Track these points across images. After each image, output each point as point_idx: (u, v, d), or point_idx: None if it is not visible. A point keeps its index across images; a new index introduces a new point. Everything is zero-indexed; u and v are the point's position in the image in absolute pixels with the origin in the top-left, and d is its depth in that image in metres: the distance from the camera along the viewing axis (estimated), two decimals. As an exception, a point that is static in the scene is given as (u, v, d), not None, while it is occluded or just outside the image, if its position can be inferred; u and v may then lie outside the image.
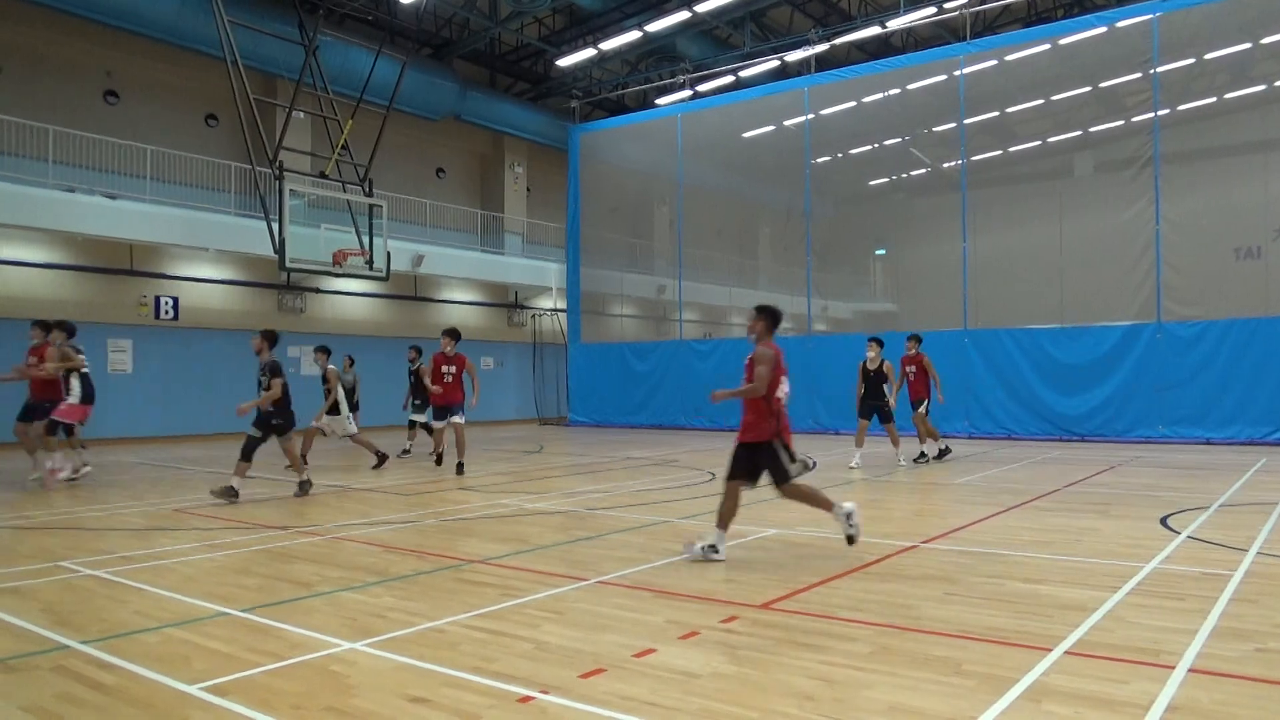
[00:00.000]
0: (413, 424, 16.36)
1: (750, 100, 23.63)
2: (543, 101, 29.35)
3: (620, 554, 6.94)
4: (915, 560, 6.61)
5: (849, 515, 6.69)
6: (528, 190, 30.06)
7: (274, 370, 9.90)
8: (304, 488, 10.44)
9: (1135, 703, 3.66)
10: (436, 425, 13.61)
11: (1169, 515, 8.44)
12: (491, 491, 10.92)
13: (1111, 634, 4.63)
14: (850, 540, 6.74)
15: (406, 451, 16.02)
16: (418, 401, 15.89)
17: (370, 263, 18.86)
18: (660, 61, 27.57)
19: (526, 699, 3.77)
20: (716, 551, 6.53)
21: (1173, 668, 4.08)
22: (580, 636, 4.69)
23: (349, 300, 24.52)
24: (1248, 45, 18.62)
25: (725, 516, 6.63)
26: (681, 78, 25.70)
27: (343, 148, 18.97)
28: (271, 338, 10.11)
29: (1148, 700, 3.67)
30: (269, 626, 4.89)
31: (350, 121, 18.84)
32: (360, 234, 18.93)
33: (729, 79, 26.38)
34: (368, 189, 19.18)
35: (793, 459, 6.68)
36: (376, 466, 13.67)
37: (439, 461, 13.71)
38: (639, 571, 6.25)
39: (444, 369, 13.10)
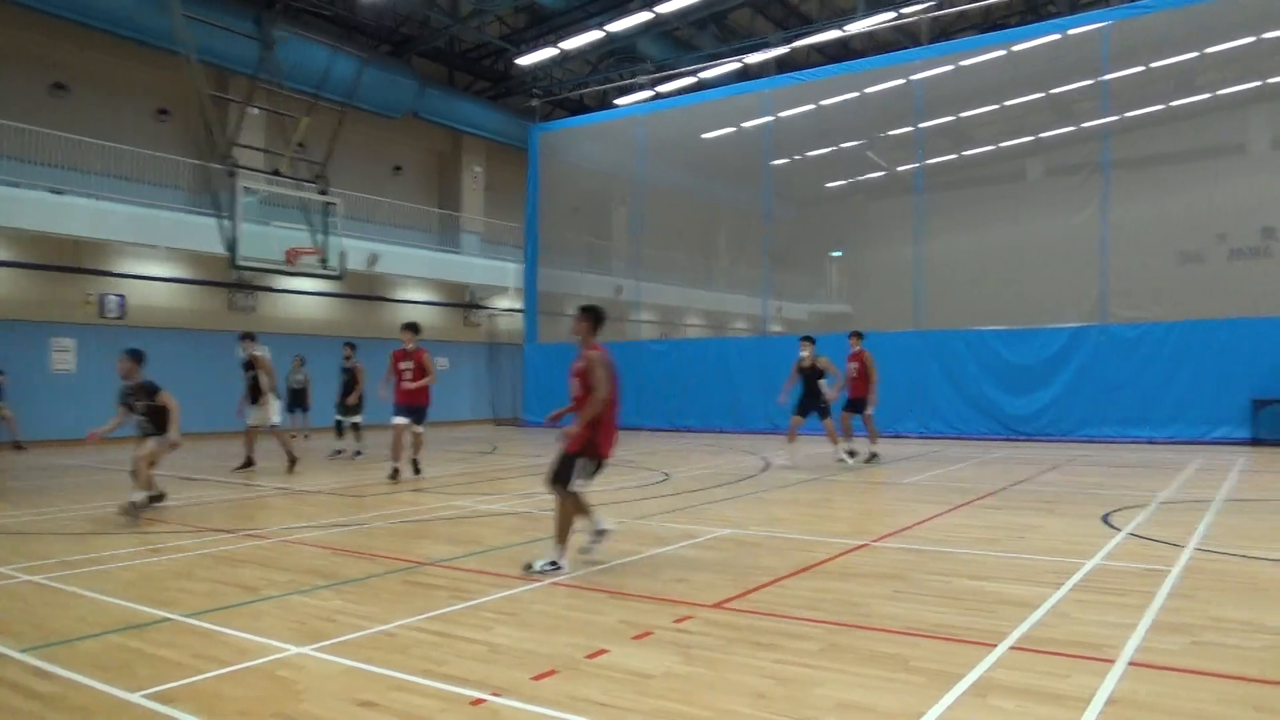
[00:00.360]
0: (339, 424, 16.08)
1: (711, 101, 23.73)
2: (503, 100, 29.20)
3: (574, 556, 6.92)
4: (865, 559, 6.69)
5: (601, 533, 6.52)
6: (486, 189, 29.88)
7: (150, 391, 8.86)
8: (133, 509, 8.66)
9: (1077, 696, 3.74)
10: (397, 422, 12.14)
11: (1111, 513, 8.63)
12: (444, 493, 10.84)
13: (1055, 629, 4.72)
14: (583, 550, 6.50)
15: (339, 453, 15.72)
16: (349, 403, 15.54)
17: (324, 261, 18.61)
18: (622, 62, 27.56)
19: (478, 702, 3.75)
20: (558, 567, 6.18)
21: (1113, 661, 4.18)
22: (533, 638, 4.67)
23: (302, 299, 24.18)
24: (1194, 55, 19.11)
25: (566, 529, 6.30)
26: (643, 78, 25.72)
27: (298, 145, 18.70)
28: (139, 357, 8.99)
29: (1089, 694, 3.75)
30: (215, 632, 4.81)
31: (306, 118, 18.57)
32: (314, 232, 18.67)
33: (690, 80, 26.47)
34: (323, 187, 18.93)
35: (591, 473, 6.32)
36: (289, 470, 13.06)
37: (397, 475, 11.92)
38: (592, 572, 6.25)
39: (401, 365, 12.23)
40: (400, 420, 12.19)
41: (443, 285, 27.70)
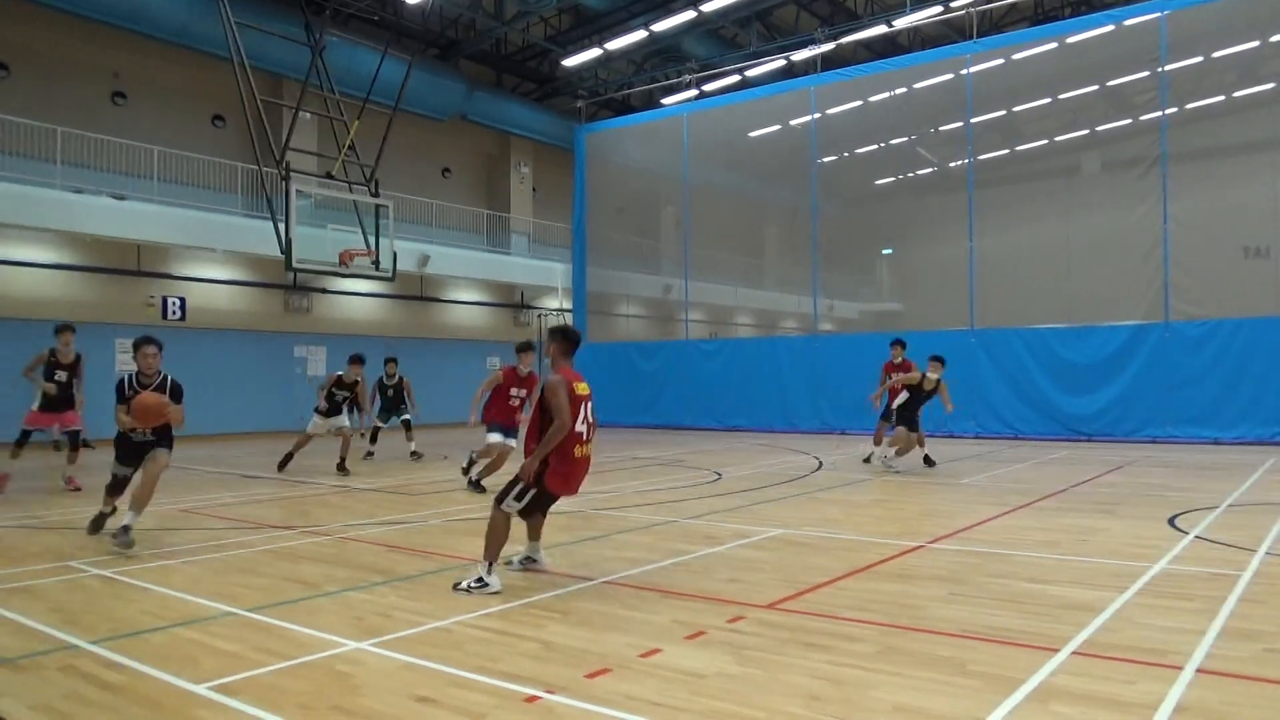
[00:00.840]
0: (376, 431, 16.11)
1: (756, 100, 23.60)
2: (549, 101, 29.37)
3: (626, 554, 6.94)
4: (921, 560, 6.60)
5: (530, 561, 6.32)
6: (534, 190, 30.08)
7: (179, 391, 7.66)
8: (125, 536, 7.03)
9: (1143, 703, 3.65)
10: (507, 443, 10.62)
11: (1177, 515, 8.41)
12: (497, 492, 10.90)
13: (1119, 634, 4.61)
14: (505, 562, 6.24)
15: (369, 455, 15.66)
16: (405, 418, 15.79)
17: (376, 263, 18.84)
18: (666, 61, 27.57)
19: (533, 699, 3.77)
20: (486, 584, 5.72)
21: (1180, 668, 4.06)
22: (586, 636, 4.69)
23: (355, 300, 24.57)
24: (1256, 44, 18.54)
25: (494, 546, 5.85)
26: (687, 77, 25.67)
27: (349, 148, 18.99)
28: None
29: (1155, 701, 3.66)
30: (275, 626, 4.90)
31: (357, 122, 18.84)
32: (366, 234, 18.93)
33: (735, 78, 26.36)
34: (374, 189, 19.19)
35: (525, 499, 5.89)
36: (281, 467, 13.20)
37: (480, 489, 10.67)
38: (645, 571, 6.25)
39: (513, 392, 10.52)
40: (509, 441, 10.61)
41: (492, 286, 27.95)
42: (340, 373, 13.47)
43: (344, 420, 13.48)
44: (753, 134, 24.38)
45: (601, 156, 26.11)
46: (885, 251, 27.47)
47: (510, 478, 6.05)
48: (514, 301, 28.90)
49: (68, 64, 20.01)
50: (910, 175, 25.18)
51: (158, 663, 4.27)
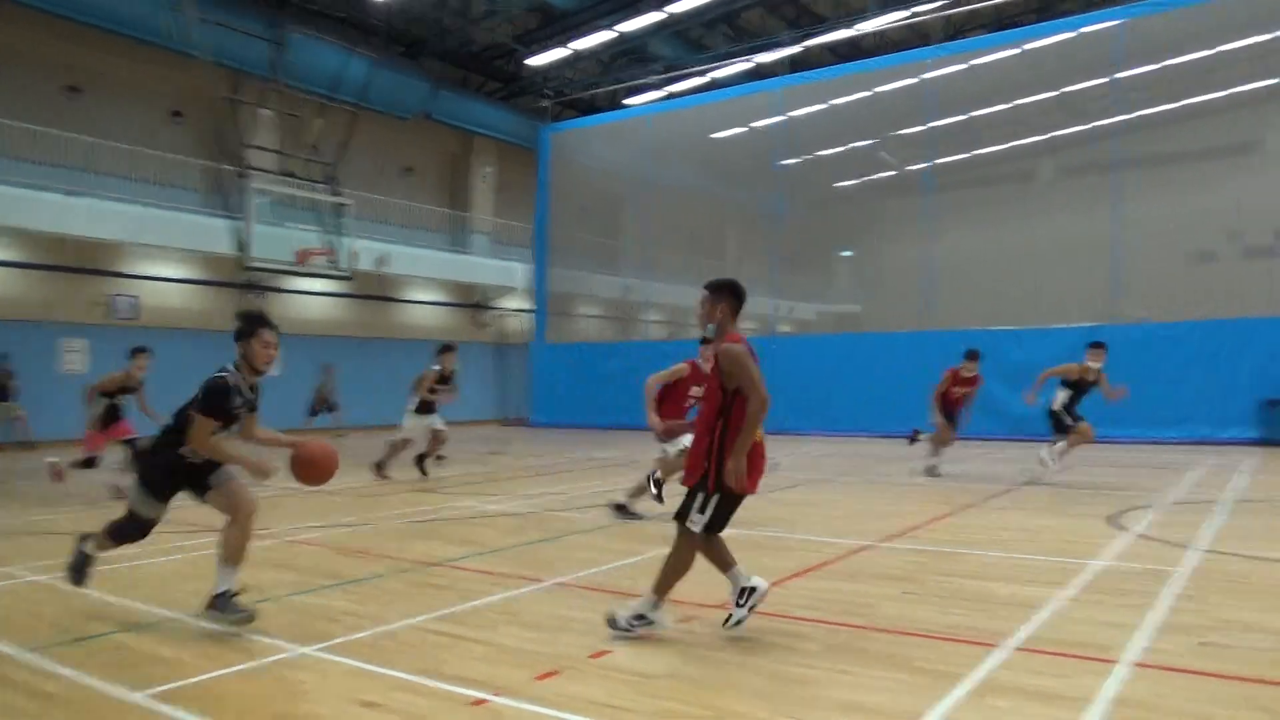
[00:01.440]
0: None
1: (722, 101, 23.72)
2: (514, 101, 29.24)
3: (579, 555, 6.94)
4: (871, 560, 6.67)
5: (746, 593, 4.79)
6: (497, 190, 29.94)
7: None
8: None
9: (1079, 696, 3.72)
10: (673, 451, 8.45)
11: (1119, 514, 8.58)
12: (449, 493, 10.87)
13: (1059, 630, 4.70)
14: (729, 621, 4.76)
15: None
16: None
17: (334, 262, 18.71)
18: (633, 62, 27.57)
19: (479, 702, 3.76)
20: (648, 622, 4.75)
21: (1117, 662, 4.15)
22: (536, 638, 4.68)
23: (312, 300, 24.28)
24: (1208, 52, 18.97)
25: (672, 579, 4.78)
26: (654, 78, 25.71)
27: (311, 146, 18.81)
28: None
29: (1092, 694, 3.74)
30: (219, 632, 4.83)
31: (319, 119, 18.68)
32: (326, 233, 18.78)
33: (702, 80, 26.45)
34: (334, 188, 19.03)
35: (709, 510, 4.75)
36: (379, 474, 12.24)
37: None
38: (597, 573, 6.25)
39: (694, 391, 8.39)
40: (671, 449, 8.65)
41: (452, 285, 27.78)
42: (436, 367, 12.19)
43: (439, 420, 12.40)
44: (717, 135, 24.50)
45: (566, 156, 26.08)
46: (845, 253, 27.74)
47: (648, 489, 5.20)
48: (473, 301, 28.75)
49: (20, 57, 19.53)
50: (871, 178, 25.46)
51: (96, 671, 4.19)
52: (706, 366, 7.99)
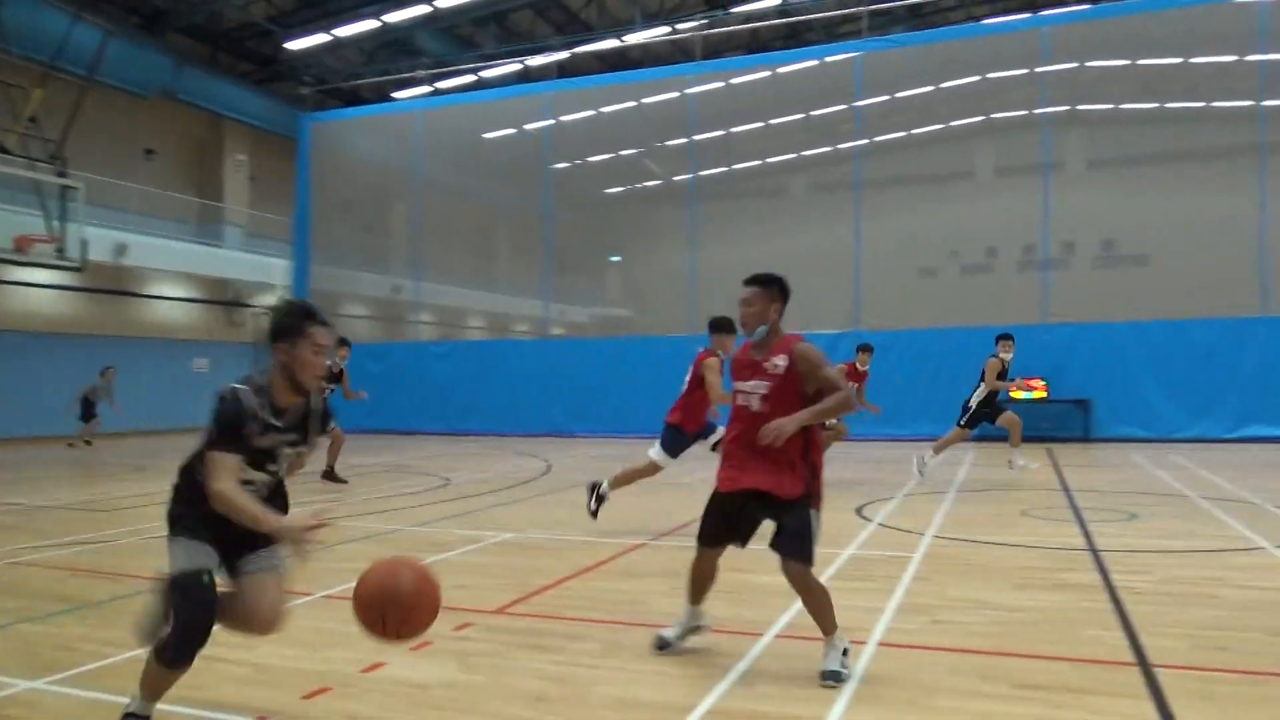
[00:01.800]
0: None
1: (492, 101, 23.58)
2: (270, 86, 27.55)
3: (350, 565, 6.66)
4: (645, 557, 6.90)
5: (695, 630, 4.60)
6: (251, 180, 28.06)
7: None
8: None
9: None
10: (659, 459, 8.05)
11: (863, 505, 9.39)
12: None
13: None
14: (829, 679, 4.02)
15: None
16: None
17: (61, 250, 16.83)
18: (399, 54, 26.78)
19: (242, 727, 3.54)
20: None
21: (865, 643, 4.56)
22: (303, 655, 4.47)
23: (34, 293, 21.68)
24: (931, 88, 21.18)
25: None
26: (422, 73, 25.11)
27: (30, 119, 16.79)
28: None
29: (845, 674, 4.07)
30: (-76, 670, 4.24)
31: (39, 90, 16.71)
32: (50, 218, 16.84)
33: (470, 78, 26.13)
34: (60, 168, 17.10)
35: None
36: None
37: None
38: (369, 583, 6.03)
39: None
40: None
41: (201, 281, 25.77)
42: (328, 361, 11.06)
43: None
44: (488, 135, 24.32)
45: (328, 148, 24.89)
46: (614, 259, 28.42)
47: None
48: (227, 299, 26.82)
49: None
50: (639, 186, 26.25)
51: None
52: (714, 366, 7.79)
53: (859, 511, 9.00)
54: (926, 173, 21.61)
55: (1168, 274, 18.51)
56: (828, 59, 20.41)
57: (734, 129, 23.58)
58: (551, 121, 22.48)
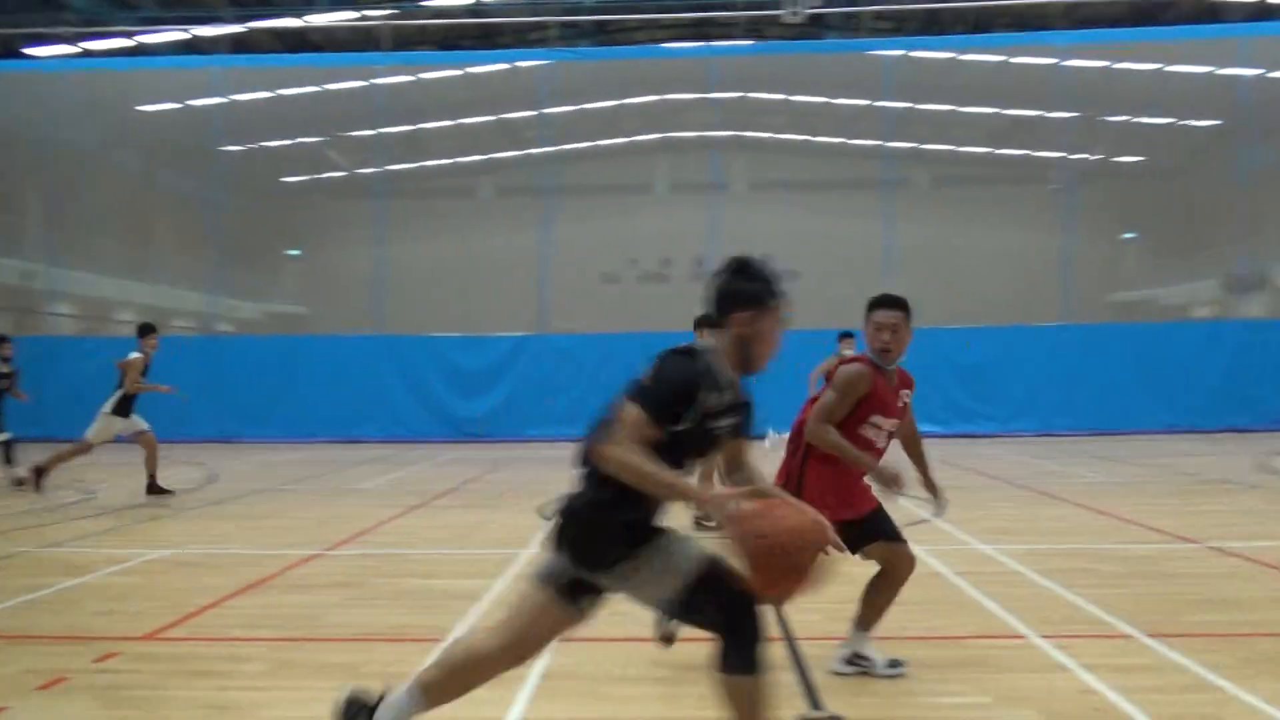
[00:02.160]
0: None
1: (151, 71, 21.29)
2: None
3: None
4: (318, 568, 6.61)
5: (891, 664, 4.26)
6: None
7: None
8: None
9: (516, 675, 4.12)
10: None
11: (545, 504, 9.63)
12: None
13: (495, 616, 5.14)
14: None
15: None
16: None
17: None
18: (37, 5, 23.30)
19: None
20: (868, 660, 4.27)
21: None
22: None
23: None
24: (615, 103, 22.23)
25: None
26: (66, 30, 22.03)
27: None
28: None
29: (528, 670, 4.18)
30: None
31: None
32: None
33: (127, 42, 23.36)
34: None
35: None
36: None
37: None
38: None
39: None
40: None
41: None
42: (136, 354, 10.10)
43: (143, 422, 10.42)
44: (146, 108, 21.93)
45: (-63, 106, 21.16)
46: (293, 252, 26.82)
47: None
48: None
49: None
50: (322, 177, 24.99)
51: None
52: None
53: (540, 511, 9.21)
54: (610, 183, 22.63)
55: (808, 290, 20.85)
56: (519, 64, 20.71)
57: (424, 124, 23.19)
58: (223, 99, 20.73)
